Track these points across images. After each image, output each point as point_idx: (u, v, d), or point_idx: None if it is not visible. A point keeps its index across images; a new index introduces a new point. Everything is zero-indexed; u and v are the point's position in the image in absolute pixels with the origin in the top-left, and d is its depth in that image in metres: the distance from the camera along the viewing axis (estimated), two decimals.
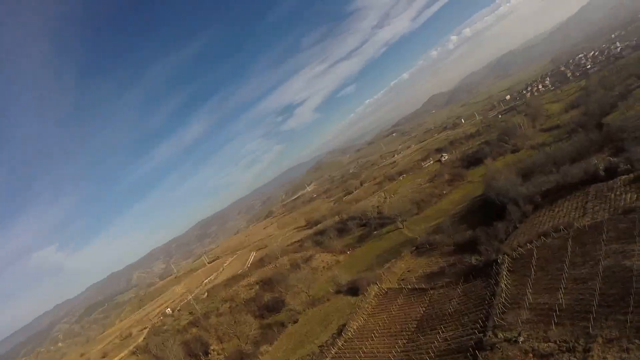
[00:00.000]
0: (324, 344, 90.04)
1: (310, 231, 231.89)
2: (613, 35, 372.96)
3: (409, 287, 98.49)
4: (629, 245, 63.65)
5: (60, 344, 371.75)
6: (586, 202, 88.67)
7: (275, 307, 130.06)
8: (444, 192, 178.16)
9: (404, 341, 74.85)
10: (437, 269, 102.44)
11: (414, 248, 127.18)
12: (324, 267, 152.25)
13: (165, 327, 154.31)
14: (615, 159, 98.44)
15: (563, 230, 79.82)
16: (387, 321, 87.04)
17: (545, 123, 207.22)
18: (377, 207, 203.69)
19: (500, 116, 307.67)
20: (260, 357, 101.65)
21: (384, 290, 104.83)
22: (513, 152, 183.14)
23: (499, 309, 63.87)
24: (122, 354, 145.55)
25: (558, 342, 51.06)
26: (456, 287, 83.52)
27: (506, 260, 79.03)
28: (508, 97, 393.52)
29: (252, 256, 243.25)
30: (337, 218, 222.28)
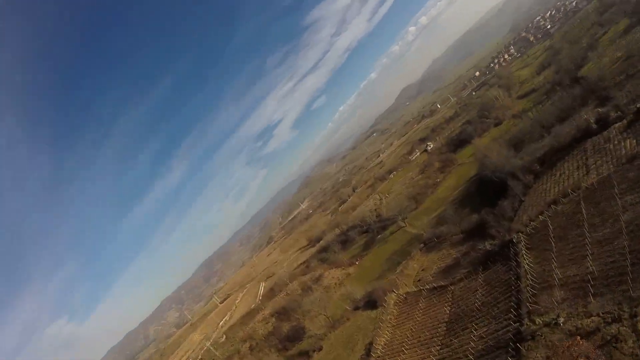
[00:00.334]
0: None
1: (313, 250, 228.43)
2: None
3: (428, 287, 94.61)
4: None
5: None
6: (586, 159, 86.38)
7: (296, 336, 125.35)
8: (438, 180, 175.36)
9: (438, 348, 70.88)
10: (451, 261, 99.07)
11: (422, 245, 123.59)
12: (335, 283, 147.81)
13: None
14: (603, 109, 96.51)
15: (572, 193, 77.12)
16: (414, 330, 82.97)
17: (521, 90, 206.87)
18: (375, 210, 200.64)
19: (474, 93, 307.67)
20: None
21: (402, 296, 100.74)
22: (496, 125, 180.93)
23: (528, 292, 60.46)
24: None
25: (601, 314, 47.88)
26: (477, 277, 79.86)
27: (522, 238, 75.83)
28: (477, 73, 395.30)
29: (262, 287, 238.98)
30: (337, 230, 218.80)
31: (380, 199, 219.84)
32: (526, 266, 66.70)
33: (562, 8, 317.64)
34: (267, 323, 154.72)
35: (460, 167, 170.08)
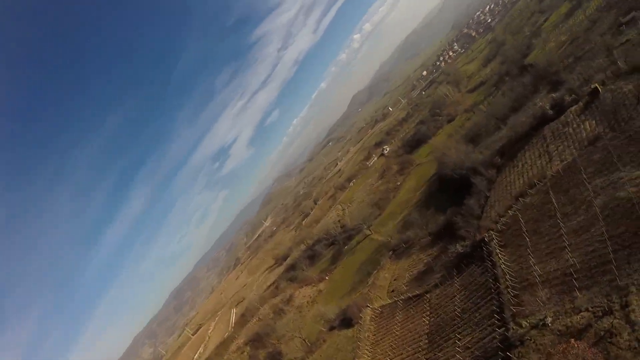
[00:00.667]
0: None
1: (281, 269, 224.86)
2: None
3: (403, 297, 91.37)
4: (613, 174, 60.22)
5: None
6: (547, 146, 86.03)
7: None
8: (398, 183, 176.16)
9: None
10: (423, 267, 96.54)
11: (390, 252, 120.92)
12: (307, 302, 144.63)
13: None
14: (557, 94, 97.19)
15: (538, 183, 76.12)
16: (394, 346, 79.17)
17: (469, 84, 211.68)
18: (339, 221, 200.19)
19: (424, 92, 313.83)
20: None
21: (377, 310, 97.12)
22: (449, 121, 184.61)
23: (509, 294, 57.86)
24: None
25: (590, 308, 45.57)
26: (452, 282, 77.14)
27: (493, 236, 73.69)
28: (425, 72, 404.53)
29: (233, 314, 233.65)
30: (303, 246, 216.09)
31: (343, 209, 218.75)
32: (502, 265, 64.31)
33: (501, 1, 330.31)
34: (242, 353, 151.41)
35: (419, 167, 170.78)
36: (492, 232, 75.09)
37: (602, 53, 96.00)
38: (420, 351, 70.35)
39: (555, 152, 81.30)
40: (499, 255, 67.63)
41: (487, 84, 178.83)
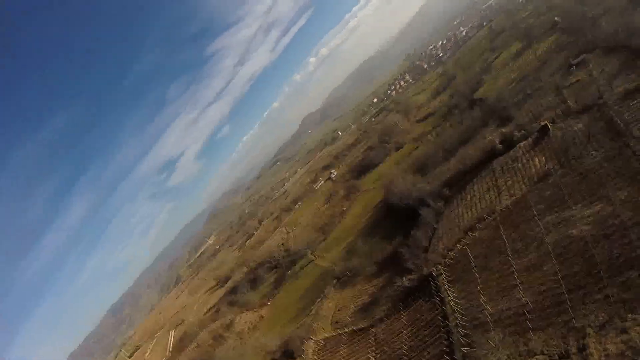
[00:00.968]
0: None
1: (222, 291, 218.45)
2: (456, 23, 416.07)
3: (347, 330, 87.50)
4: (564, 211, 60.40)
5: None
6: (496, 180, 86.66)
7: None
8: (344, 208, 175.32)
9: None
10: (368, 298, 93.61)
11: (335, 280, 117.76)
12: (249, 328, 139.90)
13: None
14: (506, 129, 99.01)
15: (487, 217, 75.74)
16: None
17: (418, 114, 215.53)
18: (283, 244, 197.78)
19: (373, 119, 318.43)
20: None
21: (321, 343, 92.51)
22: (397, 149, 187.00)
23: (459, 333, 55.63)
24: None
25: (546, 351, 44.10)
26: (399, 317, 74.33)
27: (442, 270, 72.04)
28: (375, 100, 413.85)
29: (172, 337, 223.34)
30: (245, 269, 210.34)
31: (288, 232, 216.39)
32: (452, 302, 62.37)
33: (453, 37, 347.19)
34: None
35: (365, 193, 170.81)
36: (440, 266, 73.50)
37: (552, 92, 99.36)
38: None
39: (505, 186, 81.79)
40: (448, 291, 65.79)
41: (436, 115, 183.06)
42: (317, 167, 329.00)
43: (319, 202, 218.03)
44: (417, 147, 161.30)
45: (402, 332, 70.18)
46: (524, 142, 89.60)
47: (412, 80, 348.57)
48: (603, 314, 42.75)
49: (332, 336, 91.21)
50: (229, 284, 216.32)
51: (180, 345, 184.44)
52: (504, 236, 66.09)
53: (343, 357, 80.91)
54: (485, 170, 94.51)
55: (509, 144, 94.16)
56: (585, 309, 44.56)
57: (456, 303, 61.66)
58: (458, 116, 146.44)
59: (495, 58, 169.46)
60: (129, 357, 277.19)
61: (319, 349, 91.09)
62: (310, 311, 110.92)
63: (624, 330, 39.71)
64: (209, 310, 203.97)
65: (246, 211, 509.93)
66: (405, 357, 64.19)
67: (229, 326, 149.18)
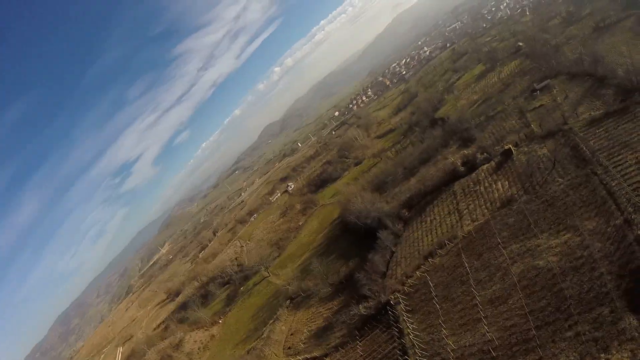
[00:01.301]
0: None
1: (172, 306, 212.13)
2: (420, 42, 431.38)
3: (300, 358, 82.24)
4: (530, 240, 58.50)
5: None
6: (457, 204, 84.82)
7: None
8: (300, 223, 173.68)
9: None
10: (323, 322, 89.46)
11: (288, 301, 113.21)
12: (199, 348, 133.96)
13: None
14: (469, 151, 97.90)
15: (448, 243, 73.19)
16: None
17: (379, 130, 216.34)
18: (236, 259, 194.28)
19: (334, 132, 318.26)
20: None
21: None
22: (356, 164, 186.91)
23: None
24: None
25: None
26: (355, 346, 69.96)
27: (400, 299, 68.36)
28: (337, 113, 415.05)
29: (120, 354, 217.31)
30: (196, 283, 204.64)
31: (242, 246, 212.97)
32: (411, 334, 58.73)
33: (417, 56, 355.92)
34: None
35: (322, 208, 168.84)
36: (398, 294, 69.99)
37: (515, 115, 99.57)
38: None
39: (466, 210, 79.85)
40: (407, 322, 62.21)
41: (396, 132, 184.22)
42: (274, 178, 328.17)
43: (274, 216, 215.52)
44: (376, 164, 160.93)
45: None
46: (487, 165, 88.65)
47: (374, 95, 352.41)
48: (574, 354, 40.33)
49: None
50: (180, 298, 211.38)
51: None
52: (467, 264, 63.43)
53: None
54: (446, 192, 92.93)
55: (471, 166, 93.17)
56: (554, 347, 42.03)
57: (416, 336, 58.02)
58: (419, 134, 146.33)
59: (458, 79, 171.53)
60: None
61: None
62: (262, 334, 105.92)
63: None
64: (158, 326, 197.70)
65: (201, 220, 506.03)
66: None
67: (178, 345, 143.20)
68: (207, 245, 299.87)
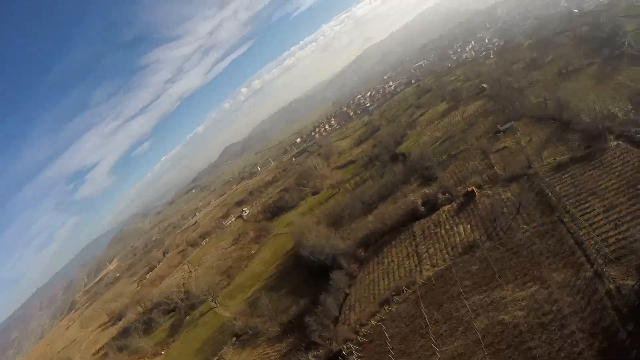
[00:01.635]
0: None
1: (114, 330, 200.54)
2: (385, 77, 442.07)
3: None
4: (494, 291, 54.90)
5: None
6: (416, 246, 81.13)
7: None
8: (252, 252, 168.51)
9: None
10: None
11: (234, 338, 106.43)
12: None
13: None
14: (430, 190, 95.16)
15: (406, 290, 68.84)
16: None
17: (339, 160, 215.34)
18: (183, 285, 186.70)
19: (294, 159, 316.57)
20: None
21: None
22: (314, 194, 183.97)
23: None
24: None
25: None
26: None
27: (353, 349, 62.85)
28: (299, 140, 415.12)
29: None
30: (140, 309, 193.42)
31: (190, 271, 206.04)
32: None
33: (382, 90, 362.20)
34: None
35: (276, 238, 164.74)
36: (351, 344, 64.37)
37: (478, 156, 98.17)
38: None
39: (426, 254, 76.10)
40: None
41: (356, 164, 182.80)
42: (230, 201, 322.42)
43: (227, 242, 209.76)
44: (334, 194, 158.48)
45: None
46: (448, 206, 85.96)
47: (337, 125, 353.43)
48: None
49: None
50: (122, 323, 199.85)
51: None
52: (426, 315, 58.96)
53: None
54: (405, 232, 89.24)
55: (431, 206, 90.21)
56: None
57: None
58: (379, 168, 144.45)
59: (421, 115, 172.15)
60: None
61: None
62: None
63: None
64: (97, 351, 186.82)
65: (153, 238, 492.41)
66: None
67: None
68: (156, 267, 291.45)
